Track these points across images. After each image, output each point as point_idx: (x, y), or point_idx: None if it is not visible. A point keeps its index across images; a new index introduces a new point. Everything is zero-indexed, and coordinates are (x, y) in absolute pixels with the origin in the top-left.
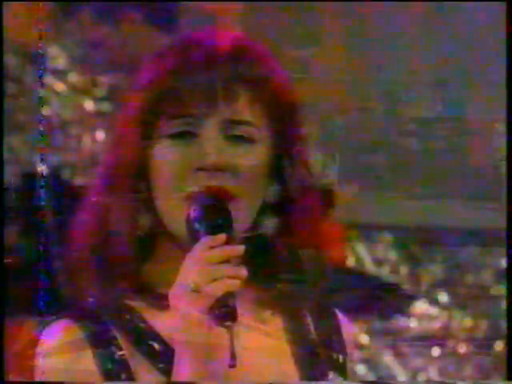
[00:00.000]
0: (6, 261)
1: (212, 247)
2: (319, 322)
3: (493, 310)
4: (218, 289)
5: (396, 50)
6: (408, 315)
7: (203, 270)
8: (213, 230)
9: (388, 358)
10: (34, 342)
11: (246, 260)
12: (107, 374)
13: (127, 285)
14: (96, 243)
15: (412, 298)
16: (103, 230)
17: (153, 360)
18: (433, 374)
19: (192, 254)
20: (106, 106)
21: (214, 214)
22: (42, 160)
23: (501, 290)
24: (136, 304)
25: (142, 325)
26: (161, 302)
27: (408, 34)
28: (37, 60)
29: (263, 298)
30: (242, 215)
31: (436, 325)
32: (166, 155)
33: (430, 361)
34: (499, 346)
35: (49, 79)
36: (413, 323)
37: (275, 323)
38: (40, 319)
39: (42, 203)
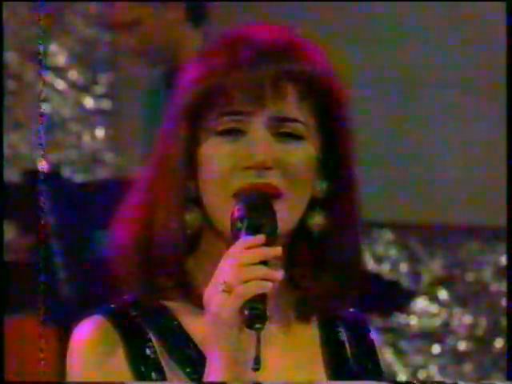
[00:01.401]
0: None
1: (249, 247)
2: (353, 338)
3: (493, 307)
4: (249, 290)
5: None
6: (408, 312)
7: (236, 270)
8: (254, 230)
9: (388, 355)
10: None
11: (289, 261)
12: (139, 375)
13: (170, 281)
14: (142, 238)
15: (412, 295)
16: (150, 225)
17: (182, 363)
18: (433, 371)
19: (228, 254)
20: (105, 104)
21: (258, 213)
22: (42, 157)
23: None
24: (170, 304)
25: (175, 327)
26: (197, 302)
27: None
28: (37, 57)
29: (300, 303)
30: (289, 213)
31: (436, 322)
32: (213, 152)
33: (429, 358)
34: (499, 343)
35: (49, 77)
36: (413, 320)
37: (310, 332)
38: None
39: (43, 200)
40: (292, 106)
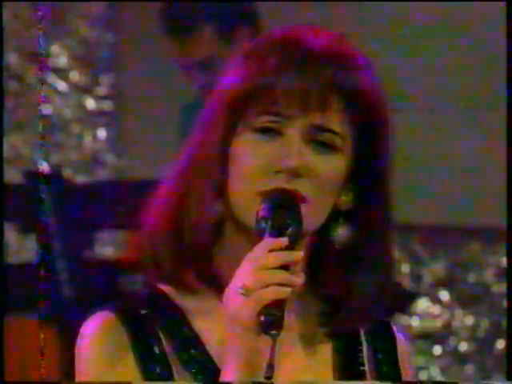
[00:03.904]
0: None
1: (271, 250)
2: (374, 344)
3: (494, 308)
4: (267, 295)
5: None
6: (409, 314)
7: (255, 274)
8: (278, 231)
9: None
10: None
11: (313, 268)
12: (146, 372)
13: (197, 267)
14: (174, 223)
15: (413, 296)
16: (182, 210)
17: (189, 363)
18: (434, 372)
19: (249, 257)
20: (107, 105)
21: (283, 214)
22: (43, 158)
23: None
24: (182, 303)
25: (184, 326)
26: (221, 291)
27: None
28: (38, 58)
29: (320, 312)
30: (311, 219)
31: (437, 323)
32: (247, 149)
33: (431, 359)
34: (500, 344)
35: (50, 78)
36: (414, 322)
37: (324, 341)
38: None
39: (44, 201)
40: (334, 117)
